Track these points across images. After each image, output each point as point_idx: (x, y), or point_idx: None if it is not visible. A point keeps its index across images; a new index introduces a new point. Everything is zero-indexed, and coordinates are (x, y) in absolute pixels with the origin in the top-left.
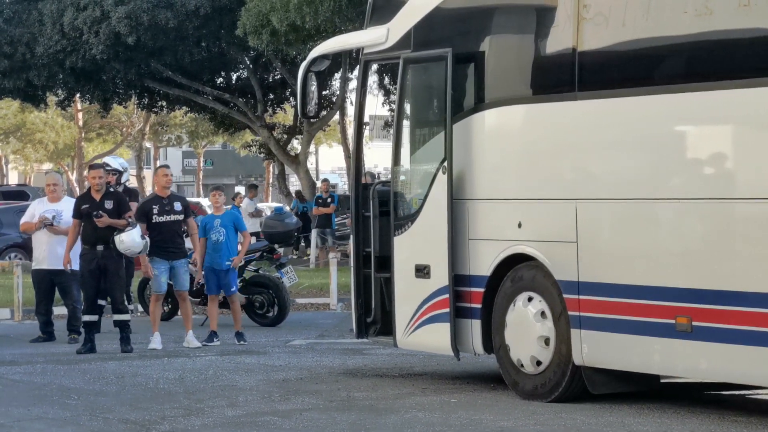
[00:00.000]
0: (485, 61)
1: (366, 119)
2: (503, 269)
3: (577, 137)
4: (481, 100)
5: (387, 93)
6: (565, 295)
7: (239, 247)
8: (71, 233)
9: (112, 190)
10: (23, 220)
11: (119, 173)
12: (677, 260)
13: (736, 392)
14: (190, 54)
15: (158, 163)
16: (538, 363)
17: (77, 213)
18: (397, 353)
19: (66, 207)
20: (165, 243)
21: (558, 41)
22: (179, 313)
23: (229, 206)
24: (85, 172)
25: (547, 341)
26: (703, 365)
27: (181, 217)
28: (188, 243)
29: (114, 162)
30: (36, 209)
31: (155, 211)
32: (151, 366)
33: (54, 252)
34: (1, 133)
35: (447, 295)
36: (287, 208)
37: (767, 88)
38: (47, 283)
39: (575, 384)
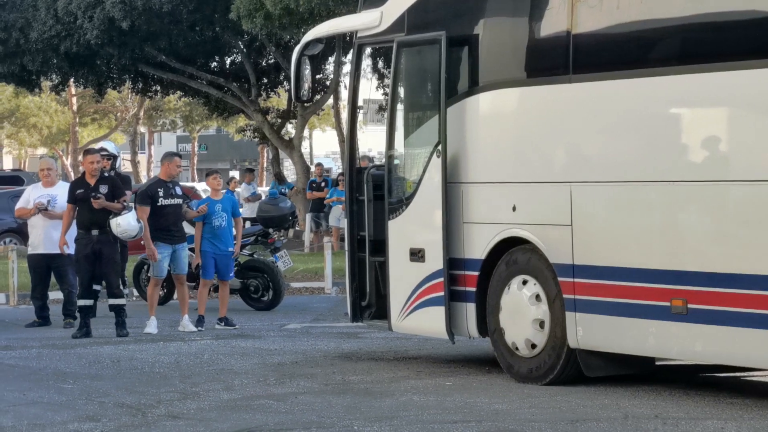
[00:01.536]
0: (479, 44)
1: (360, 103)
2: (498, 253)
3: (572, 120)
4: (476, 84)
5: (381, 77)
6: (559, 278)
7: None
8: (66, 218)
9: (106, 175)
10: (18, 205)
11: (114, 158)
12: (672, 243)
13: (731, 374)
14: (184, 38)
15: (152, 149)
16: (533, 346)
17: (72, 198)
18: (391, 337)
19: (61, 192)
20: (169, 227)
21: (552, 24)
22: (174, 297)
23: (224, 190)
24: (80, 157)
25: (541, 324)
26: (698, 347)
27: (181, 201)
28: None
29: (110, 147)
30: (31, 194)
31: (161, 194)
32: (147, 350)
33: (49, 236)
34: None
35: (442, 279)
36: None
37: (763, 70)
38: (43, 268)
39: (570, 367)
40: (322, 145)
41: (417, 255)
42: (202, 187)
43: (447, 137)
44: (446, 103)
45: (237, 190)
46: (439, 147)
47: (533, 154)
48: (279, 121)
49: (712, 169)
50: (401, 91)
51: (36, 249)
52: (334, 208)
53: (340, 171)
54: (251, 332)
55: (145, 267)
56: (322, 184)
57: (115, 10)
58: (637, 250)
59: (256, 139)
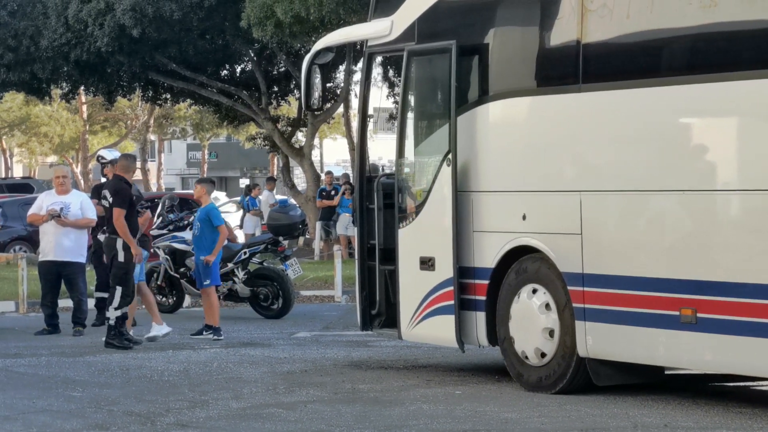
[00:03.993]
0: (489, 53)
1: (370, 112)
2: (508, 261)
3: (581, 129)
4: (486, 93)
5: (391, 85)
6: (569, 287)
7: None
8: (123, 222)
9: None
10: (31, 211)
11: (112, 164)
12: (682, 252)
13: (741, 384)
14: (194, 46)
15: (162, 157)
16: (543, 355)
17: (130, 202)
18: (401, 345)
19: (74, 200)
20: None
21: (562, 33)
22: (183, 305)
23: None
24: (90, 165)
25: (551, 333)
26: (707, 357)
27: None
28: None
29: (110, 155)
30: (44, 201)
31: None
32: (156, 358)
33: (60, 244)
34: (5, 127)
35: (451, 287)
36: (292, 201)
37: None
38: (54, 275)
39: (580, 376)
40: (333, 154)
41: (427, 263)
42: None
43: (457, 146)
44: (456, 111)
45: (260, 197)
46: (450, 156)
47: (543, 163)
48: (289, 129)
49: (721, 178)
50: (411, 99)
51: (47, 256)
52: (342, 216)
53: (348, 179)
54: (261, 341)
55: (154, 275)
56: (332, 193)
57: (126, 17)
58: (647, 259)
59: (267, 148)
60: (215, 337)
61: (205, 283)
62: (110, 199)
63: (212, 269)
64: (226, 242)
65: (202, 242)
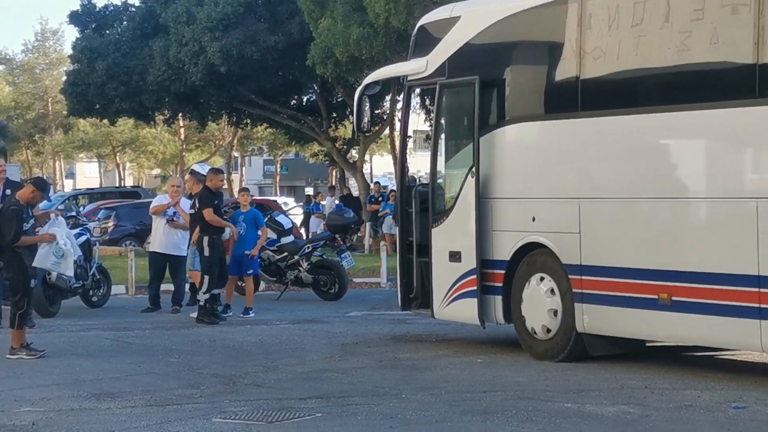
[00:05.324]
0: (506, 86)
1: (410, 133)
2: (520, 255)
3: (580, 147)
4: (503, 118)
5: (427, 112)
6: (570, 276)
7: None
8: (215, 218)
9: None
10: (153, 205)
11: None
12: (660, 247)
13: (706, 353)
14: (269, 81)
15: (244, 170)
16: (548, 330)
17: (213, 202)
18: (434, 323)
19: (183, 205)
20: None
21: (564, 70)
22: (259, 288)
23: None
24: (186, 176)
25: (555, 313)
26: (680, 332)
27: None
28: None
29: (203, 169)
30: (161, 201)
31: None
32: (237, 332)
33: (170, 239)
34: (119, 146)
35: (475, 276)
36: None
37: (730, 110)
38: (162, 264)
39: (578, 347)
40: (381, 167)
41: (455, 256)
42: (281, 201)
43: (480, 161)
44: (479, 133)
45: (322, 202)
46: (473, 169)
47: (549, 175)
48: (345, 147)
49: (691, 188)
50: (443, 123)
51: (158, 248)
52: (387, 218)
53: (393, 188)
54: (320, 318)
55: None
56: (380, 199)
57: (215, 57)
58: (632, 253)
59: (327, 162)
60: (247, 315)
61: (248, 272)
62: (197, 206)
63: (254, 261)
64: (292, 238)
65: (246, 239)
